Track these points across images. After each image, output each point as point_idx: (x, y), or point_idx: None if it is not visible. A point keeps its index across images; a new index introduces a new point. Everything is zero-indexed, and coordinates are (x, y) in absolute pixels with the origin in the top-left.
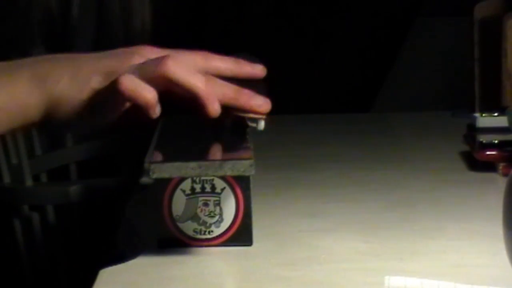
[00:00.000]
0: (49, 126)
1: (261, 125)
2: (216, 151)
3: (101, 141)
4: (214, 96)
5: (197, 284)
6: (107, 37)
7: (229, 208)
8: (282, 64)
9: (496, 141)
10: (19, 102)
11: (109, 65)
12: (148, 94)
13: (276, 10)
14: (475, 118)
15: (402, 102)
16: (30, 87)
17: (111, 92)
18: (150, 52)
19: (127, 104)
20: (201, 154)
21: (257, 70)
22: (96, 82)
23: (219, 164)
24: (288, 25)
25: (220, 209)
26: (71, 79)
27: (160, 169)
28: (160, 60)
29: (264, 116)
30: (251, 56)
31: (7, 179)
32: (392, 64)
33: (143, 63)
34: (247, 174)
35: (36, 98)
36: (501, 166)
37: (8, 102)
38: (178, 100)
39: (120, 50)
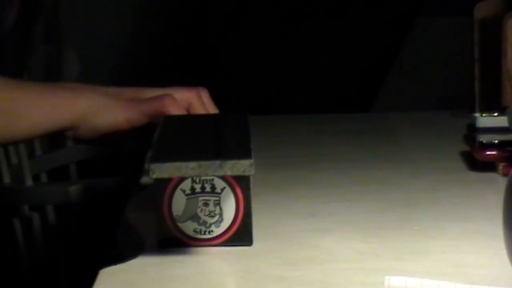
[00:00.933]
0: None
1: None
2: (216, 151)
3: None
4: None
5: (197, 284)
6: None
7: (229, 208)
8: (282, 64)
9: (496, 141)
10: (69, 104)
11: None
12: None
13: (276, 10)
14: (475, 118)
15: (402, 102)
16: (75, 94)
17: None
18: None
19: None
20: (201, 154)
21: None
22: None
23: (219, 164)
24: (287, 25)
25: (220, 209)
26: (106, 91)
27: (160, 169)
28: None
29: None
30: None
31: (7, 179)
32: (392, 63)
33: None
34: (247, 174)
35: (82, 102)
36: (501, 166)
37: (60, 104)
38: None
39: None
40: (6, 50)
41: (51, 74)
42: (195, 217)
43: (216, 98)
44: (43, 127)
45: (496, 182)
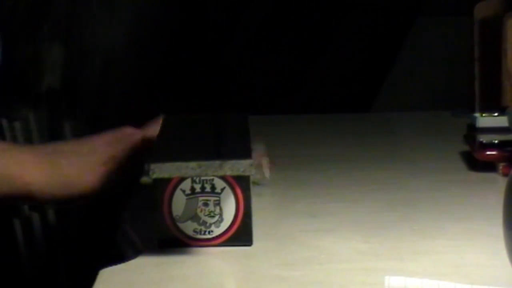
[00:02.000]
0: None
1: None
2: (216, 151)
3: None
4: None
5: (197, 284)
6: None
7: (229, 208)
8: (282, 64)
9: (496, 141)
10: (23, 171)
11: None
12: None
13: (275, 10)
14: (475, 118)
15: (402, 102)
16: (35, 159)
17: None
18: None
19: None
20: (201, 154)
21: None
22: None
23: (219, 164)
24: (287, 25)
25: (220, 209)
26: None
27: (160, 169)
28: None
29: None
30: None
31: None
32: (392, 64)
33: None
34: (247, 174)
35: (42, 170)
36: (501, 166)
37: (14, 168)
38: None
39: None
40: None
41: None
42: (195, 217)
43: (216, 98)
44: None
45: (496, 182)
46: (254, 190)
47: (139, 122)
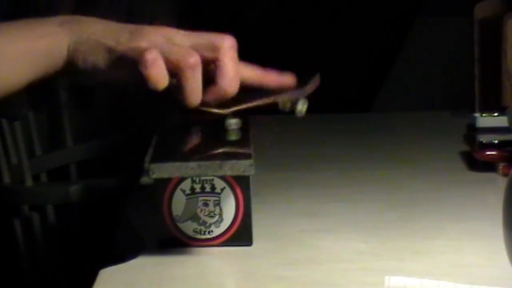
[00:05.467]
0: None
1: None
2: (216, 151)
3: (101, 141)
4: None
5: (197, 284)
6: None
7: (229, 208)
8: (282, 64)
9: (496, 141)
10: (47, 43)
11: (137, 27)
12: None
13: (275, 10)
14: (475, 118)
15: (402, 102)
16: (60, 29)
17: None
18: (174, 33)
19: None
20: (201, 154)
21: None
22: (124, 36)
23: (219, 164)
24: (287, 24)
25: (220, 209)
26: (104, 26)
27: (160, 169)
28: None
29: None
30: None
31: (7, 179)
32: (392, 64)
33: (170, 44)
34: (247, 174)
35: (64, 39)
36: (501, 166)
37: (36, 41)
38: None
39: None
40: None
41: None
42: (195, 217)
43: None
44: (37, 63)
45: (496, 182)
46: (254, 191)
47: (139, 122)
